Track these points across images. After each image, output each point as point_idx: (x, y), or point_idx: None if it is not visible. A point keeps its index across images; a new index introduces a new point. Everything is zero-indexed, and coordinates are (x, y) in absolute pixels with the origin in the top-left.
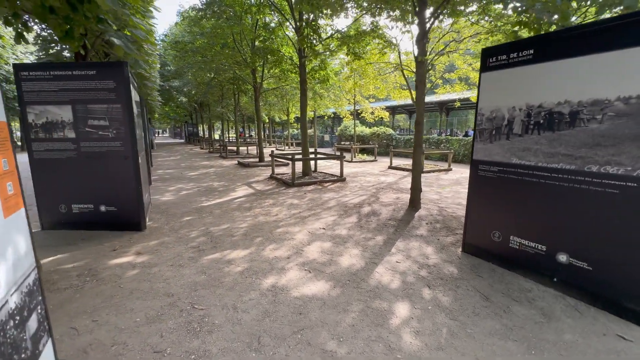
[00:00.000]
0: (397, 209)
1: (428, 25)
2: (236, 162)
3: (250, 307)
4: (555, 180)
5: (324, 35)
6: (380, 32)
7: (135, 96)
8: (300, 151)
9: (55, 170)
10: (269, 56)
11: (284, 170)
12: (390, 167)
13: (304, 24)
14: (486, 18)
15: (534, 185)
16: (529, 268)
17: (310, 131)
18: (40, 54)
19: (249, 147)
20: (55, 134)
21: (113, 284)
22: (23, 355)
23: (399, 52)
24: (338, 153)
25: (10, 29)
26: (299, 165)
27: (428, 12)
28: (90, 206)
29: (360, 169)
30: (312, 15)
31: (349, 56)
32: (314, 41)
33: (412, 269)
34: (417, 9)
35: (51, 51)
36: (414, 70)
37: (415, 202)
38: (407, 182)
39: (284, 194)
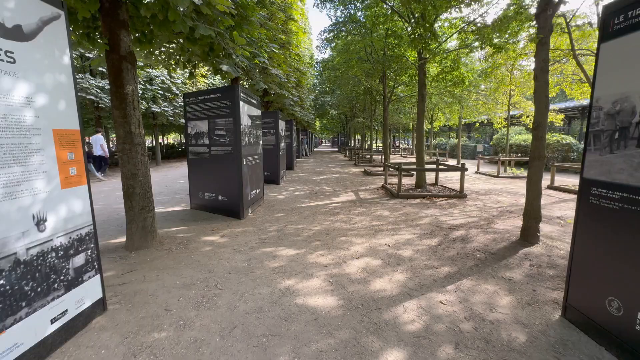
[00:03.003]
0: (500, 240)
1: None
2: (363, 170)
3: (253, 300)
4: None
5: (452, 30)
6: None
7: (250, 111)
8: (436, 161)
9: (198, 167)
10: (393, 64)
11: (404, 181)
12: (551, 187)
13: (415, 23)
14: None
15: None
16: None
17: (457, 140)
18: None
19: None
20: (199, 141)
21: (190, 253)
22: (62, 277)
23: (570, 32)
24: (480, 165)
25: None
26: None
27: None
28: (214, 195)
29: (502, 185)
30: (424, 13)
31: (491, 50)
32: (429, 40)
33: (454, 317)
34: None
35: None
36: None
37: (528, 233)
38: (560, 209)
39: (381, 205)
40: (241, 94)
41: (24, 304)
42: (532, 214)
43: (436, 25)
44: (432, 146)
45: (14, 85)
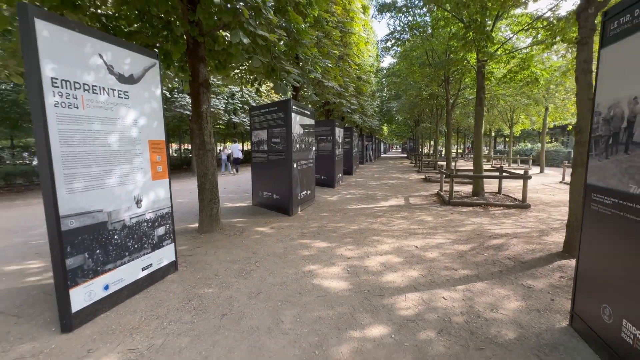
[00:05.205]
0: (539, 250)
1: None
2: (424, 176)
3: (279, 276)
4: None
5: (517, 28)
6: None
7: (302, 121)
8: (505, 168)
9: (259, 169)
10: (452, 67)
11: (463, 189)
12: None
13: (466, 26)
14: None
15: None
16: None
17: (547, 145)
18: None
19: (457, 163)
20: (260, 148)
21: (242, 239)
22: (150, 241)
23: None
24: (567, 174)
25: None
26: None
27: None
28: (270, 194)
29: None
30: (476, 16)
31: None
32: (485, 43)
33: (449, 310)
34: None
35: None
36: None
37: (570, 245)
38: None
39: (427, 211)
40: (293, 107)
41: (127, 253)
42: (575, 225)
43: (504, 23)
44: (511, 152)
45: (127, 113)
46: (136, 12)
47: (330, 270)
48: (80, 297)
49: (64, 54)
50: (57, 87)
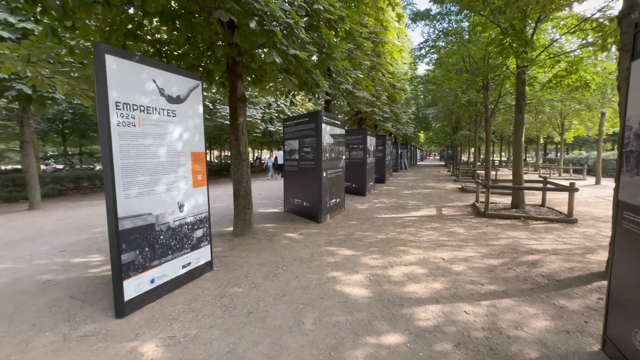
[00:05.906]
0: (578, 269)
1: None
2: (460, 186)
3: (304, 280)
4: None
5: (563, 31)
6: None
7: (332, 131)
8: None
9: (290, 177)
10: (491, 73)
11: (502, 200)
12: None
13: (503, 32)
14: None
15: None
16: None
17: (603, 154)
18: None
19: (498, 171)
20: (292, 157)
21: (272, 243)
22: (189, 241)
23: None
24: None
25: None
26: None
27: None
28: (300, 201)
29: None
30: (513, 23)
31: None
32: (524, 48)
33: (470, 325)
34: None
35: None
36: None
37: None
38: None
39: (460, 222)
40: (324, 117)
41: (170, 252)
42: None
43: (549, 24)
44: (562, 160)
45: (174, 129)
46: (185, 37)
47: (353, 277)
48: (132, 288)
49: (126, 81)
50: (120, 109)
